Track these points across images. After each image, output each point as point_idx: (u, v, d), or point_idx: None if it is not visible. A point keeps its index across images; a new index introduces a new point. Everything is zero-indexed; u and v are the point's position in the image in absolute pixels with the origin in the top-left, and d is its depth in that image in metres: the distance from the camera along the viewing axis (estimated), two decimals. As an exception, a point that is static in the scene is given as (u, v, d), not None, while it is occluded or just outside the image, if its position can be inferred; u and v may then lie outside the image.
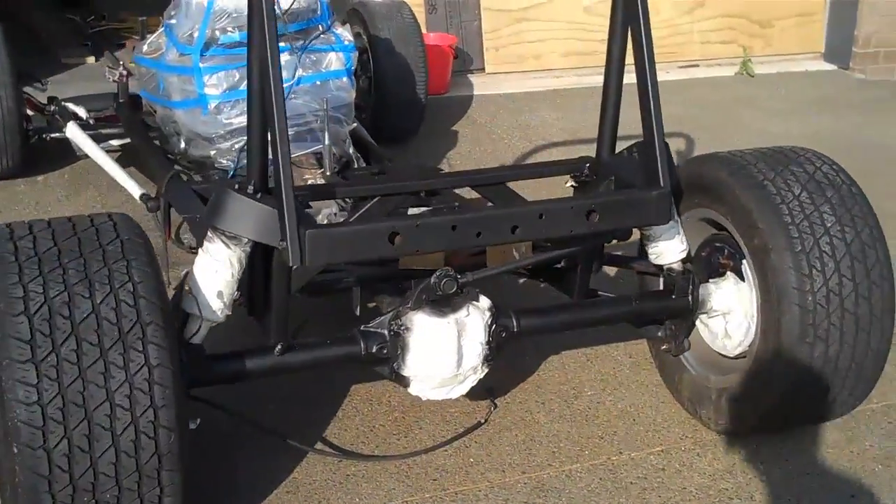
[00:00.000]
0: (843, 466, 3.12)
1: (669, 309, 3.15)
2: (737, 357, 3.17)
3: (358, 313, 3.12)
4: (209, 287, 2.67)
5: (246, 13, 3.96)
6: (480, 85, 7.24)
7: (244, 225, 2.62)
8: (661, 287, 3.25)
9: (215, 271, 2.66)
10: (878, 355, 2.96)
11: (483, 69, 7.45)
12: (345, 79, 4.21)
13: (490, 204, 3.09)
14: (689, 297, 3.11)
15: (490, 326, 2.89)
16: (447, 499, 2.95)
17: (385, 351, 2.82)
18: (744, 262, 3.06)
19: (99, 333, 2.29)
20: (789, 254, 2.85)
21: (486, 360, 2.90)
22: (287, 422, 3.22)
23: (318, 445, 3.16)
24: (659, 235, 3.06)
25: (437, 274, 2.75)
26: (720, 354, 3.23)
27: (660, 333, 3.28)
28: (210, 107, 4.03)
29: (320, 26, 4.24)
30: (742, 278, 3.10)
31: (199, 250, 2.70)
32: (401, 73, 5.60)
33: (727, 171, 3.04)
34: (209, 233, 2.68)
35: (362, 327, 2.85)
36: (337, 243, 2.53)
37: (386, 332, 2.82)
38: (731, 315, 3.13)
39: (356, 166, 4.21)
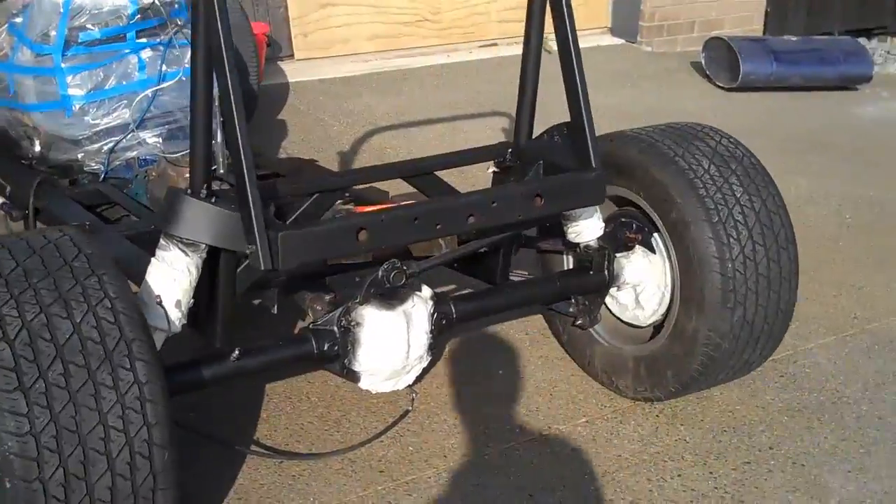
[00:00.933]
0: (755, 420, 3.34)
1: (588, 284, 3.26)
2: (649, 326, 3.32)
3: (275, 311, 3.08)
4: (168, 297, 2.57)
5: (106, 9, 3.89)
6: (293, 72, 7.17)
7: (204, 231, 2.53)
8: (572, 264, 3.37)
9: (173, 280, 2.57)
10: (786, 315, 3.18)
11: (292, 56, 7.38)
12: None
13: (425, 195, 3.11)
14: (606, 272, 3.23)
15: (432, 315, 2.92)
16: (399, 489, 2.96)
17: (336, 348, 2.80)
18: (655, 235, 3.21)
19: (84, 354, 2.17)
20: (708, 225, 3.01)
21: (430, 348, 2.93)
22: (212, 428, 3.13)
23: (256, 448, 3.10)
24: (580, 215, 3.16)
25: (385, 267, 2.75)
26: (631, 325, 3.38)
27: (571, 309, 3.38)
28: (74, 108, 3.84)
29: (179, 20, 4.10)
30: (652, 251, 3.24)
31: (153, 259, 2.59)
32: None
33: (637, 148, 3.17)
34: (163, 240, 2.58)
35: (311, 326, 2.82)
36: (308, 243, 2.49)
37: (336, 328, 2.80)
38: (642, 287, 3.27)
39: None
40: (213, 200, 2.54)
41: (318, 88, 6.88)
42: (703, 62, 7.52)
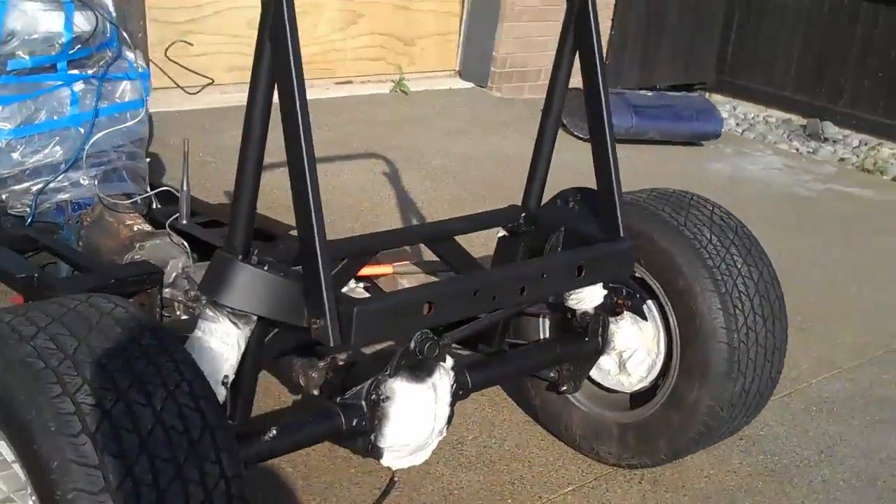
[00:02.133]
0: (732, 486, 3.37)
1: (583, 351, 3.20)
2: (632, 392, 3.30)
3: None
4: (215, 374, 2.32)
5: (39, 35, 3.55)
6: (152, 102, 6.77)
7: (261, 302, 2.31)
8: (552, 330, 3.32)
9: (223, 355, 2.32)
10: (774, 383, 3.22)
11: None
12: (141, 110, 3.80)
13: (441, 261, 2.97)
14: (599, 339, 3.19)
15: (453, 386, 2.79)
16: (406, 567, 2.80)
17: (364, 423, 2.62)
18: (649, 302, 3.19)
19: (171, 447, 1.93)
20: (716, 295, 3.01)
21: (449, 420, 2.80)
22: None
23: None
24: (587, 283, 3.10)
25: (417, 338, 2.60)
26: (612, 391, 3.34)
27: (552, 374, 3.32)
28: (1, 143, 3.47)
29: (109, 51, 3.80)
30: (642, 317, 3.22)
31: (197, 331, 2.34)
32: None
33: (639, 216, 3.14)
34: (210, 311, 2.33)
35: (339, 400, 2.63)
36: (380, 319, 2.32)
37: (364, 403, 2.62)
38: (629, 353, 3.24)
39: (157, 207, 3.82)
40: (265, 268, 2.32)
41: (182, 120, 6.55)
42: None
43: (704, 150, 7.82)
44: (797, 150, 8.60)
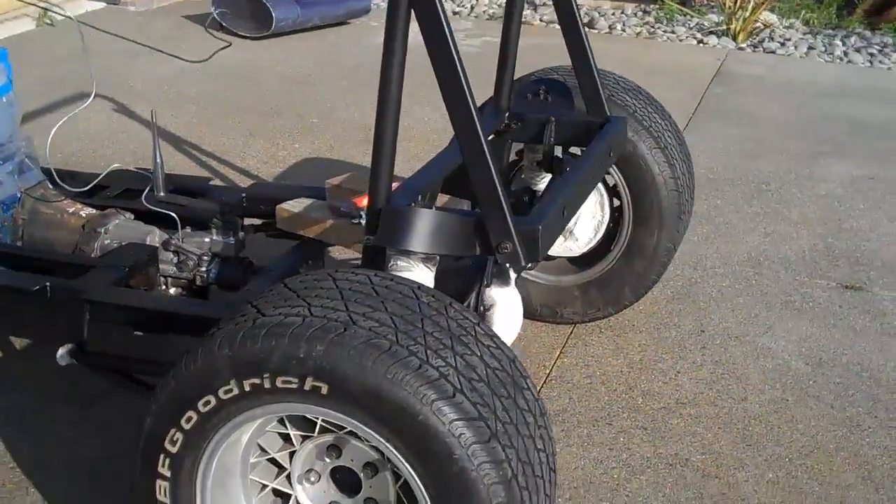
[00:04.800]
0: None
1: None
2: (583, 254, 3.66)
3: None
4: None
5: None
6: None
7: (444, 241, 2.41)
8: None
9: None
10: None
11: None
12: (11, 93, 3.45)
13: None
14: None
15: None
16: None
17: None
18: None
19: (504, 386, 2.04)
20: (659, 150, 3.43)
21: None
22: None
23: None
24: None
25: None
26: (560, 258, 3.69)
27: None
28: None
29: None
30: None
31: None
32: None
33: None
34: (403, 261, 2.39)
35: None
36: (550, 231, 2.50)
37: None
38: (576, 220, 3.59)
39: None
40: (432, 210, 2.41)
41: None
42: (216, 16, 7.54)
43: (359, 27, 8.10)
44: (457, 14, 9.12)
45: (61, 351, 2.72)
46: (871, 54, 8.62)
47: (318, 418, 2.11)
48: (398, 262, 2.41)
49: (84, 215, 3.17)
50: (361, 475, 2.15)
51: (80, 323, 2.74)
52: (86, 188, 3.21)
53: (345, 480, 2.20)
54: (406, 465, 1.96)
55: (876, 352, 3.70)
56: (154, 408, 2.09)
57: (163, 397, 2.07)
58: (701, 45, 8.59)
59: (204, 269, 3.04)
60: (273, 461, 2.23)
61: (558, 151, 3.32)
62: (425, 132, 5.74)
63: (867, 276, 4.29)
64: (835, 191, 5.26)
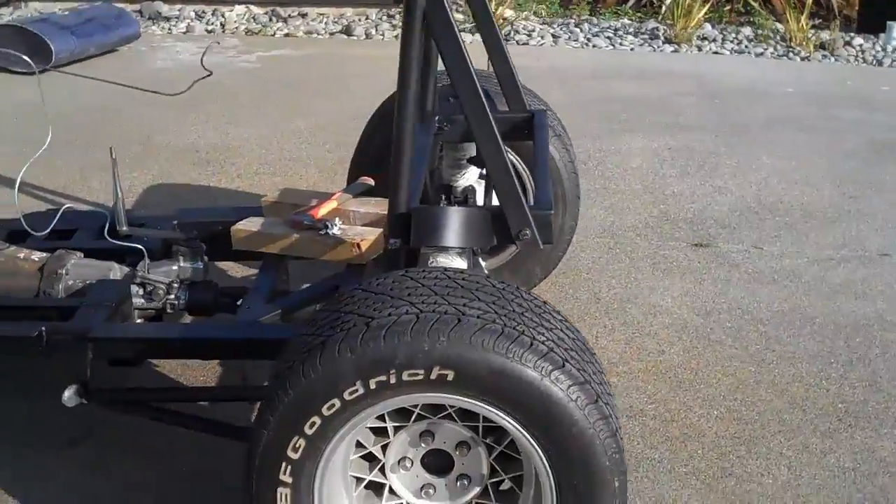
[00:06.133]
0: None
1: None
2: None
3: None
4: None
5: None
6: None
7: (472, 235, 2.62)
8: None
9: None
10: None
11: None
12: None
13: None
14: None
15: None
16: None
17: None
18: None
19: (582, 358, 2.27)
20: (558, 140, 3.76)
21: None
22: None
23: None
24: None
25: None
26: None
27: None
28: None
29: None
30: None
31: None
32: None
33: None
34: (443, 257, 2.57)
35: None
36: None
37: None
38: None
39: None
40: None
41: None
42: (-15, 55, 7.23)
43: (135, 53, 7.98)
44: (193, 30, 9.13)
45: (68, 393, 2.71)
46: (609, 38, 9.38)
47: (415, 407, 2.27)
48: (438, 258, 2.58)
49: (36, 259, 3.12)
50: (455, 454, 2.33)
51: (83, 362, 2.74)
52: (46, 231, 3.16)
53: (433, 463, 2.37)
54: (526, 434, 2.16)
55: (748, 296, 4.18)
56: (272, 420, 2.18)
57: (281, 409, 2.17)
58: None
59: (173, 296, 3.08)
60: (366, 455, 2.37)
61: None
62: (251, 147, 5.83)
63: (708, 234, 4.81)
64: (643, 164, 5.78)
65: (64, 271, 3.08)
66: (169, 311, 3.10)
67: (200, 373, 3.48)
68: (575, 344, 2.26)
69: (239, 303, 3.05)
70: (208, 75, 3.74)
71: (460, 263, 2.62)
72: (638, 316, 4.00)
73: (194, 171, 5.45)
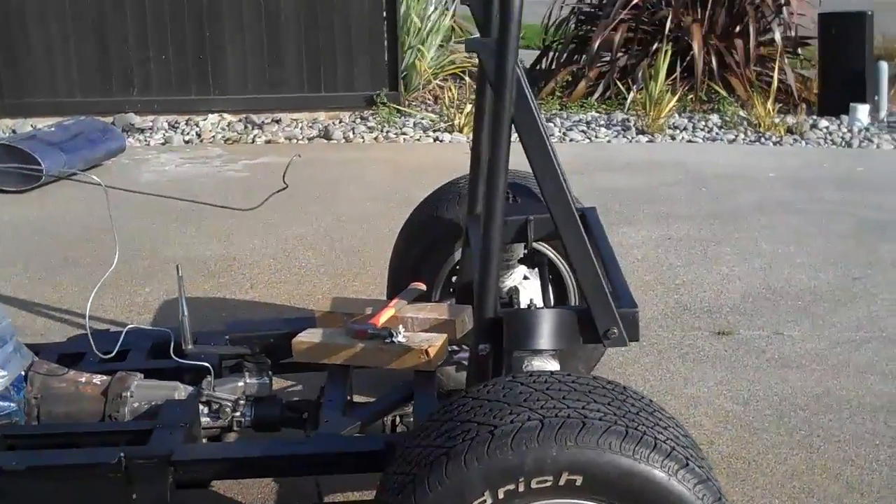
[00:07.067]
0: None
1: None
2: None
3: None
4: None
5: None
6: None
7: (563, 336, 2.65)
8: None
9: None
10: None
11: None
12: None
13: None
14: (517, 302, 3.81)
15: None
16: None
17: None
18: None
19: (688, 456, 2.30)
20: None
21: None
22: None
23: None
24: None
25: None
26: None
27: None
28: None
29: None
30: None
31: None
32: None
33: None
34: (538, 360, 2.59)
35: None
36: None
37: None
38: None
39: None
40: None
41: None
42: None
43: (120, 167, 8.00)
44: (172, 141, 9.16)
45: None
46: (583, 131, 9.57)
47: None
48: (533, 362, 2.61)
49: (98, 382, 3.09)
50: None
51: (164, 488, 2.70)
52: (112, 353, 3.14)
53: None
54: None
55: (780, 382, 4.23)
56: (399, 537, 2.17)
57: (409, 525, 2.16)
58: (439, 142, 9.17)
59: (239, 413, 3.06)
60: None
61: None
62: (258, 257, 5.83)
63: (727, 322, 4.87)
64: (648, 254, 5.87)
65: (129, 394, 3.05)
66: (235, 428, 3.07)
67: (258, 491, 3.43)
68: (689, 441, 2.29)
69: (304, 416, 3.04)
70: (284, 188, 3.78)
71: (554, 365, 2.64)
72: (679, 408, 4.02)
73: (207, 283, 5.43)
